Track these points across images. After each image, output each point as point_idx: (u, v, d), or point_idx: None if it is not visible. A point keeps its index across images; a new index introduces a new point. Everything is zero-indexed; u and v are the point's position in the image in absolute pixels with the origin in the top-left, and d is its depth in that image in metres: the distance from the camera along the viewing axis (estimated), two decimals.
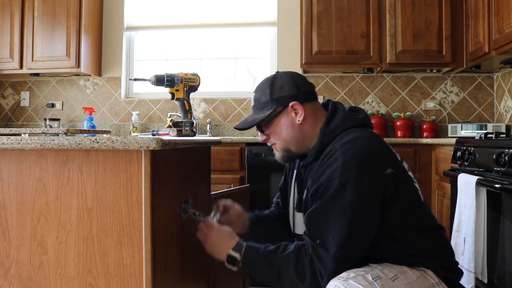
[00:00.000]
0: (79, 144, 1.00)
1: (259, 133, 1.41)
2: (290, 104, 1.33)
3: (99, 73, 3.63)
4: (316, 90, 1.42)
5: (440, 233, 1.33)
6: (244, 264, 1.27)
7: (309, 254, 1.19)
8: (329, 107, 1.37)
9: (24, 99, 3.76)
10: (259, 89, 1.39)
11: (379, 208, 1.21)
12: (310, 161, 1.34)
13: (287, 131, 1.35)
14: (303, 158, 1.39)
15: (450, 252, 1.34)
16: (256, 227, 1.54)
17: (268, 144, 1.41)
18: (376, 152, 1.24)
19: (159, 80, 1.65)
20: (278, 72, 1.40)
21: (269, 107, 1.34)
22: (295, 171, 1.47)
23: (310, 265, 1.18)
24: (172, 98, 1.70)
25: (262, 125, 1.37)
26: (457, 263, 1.35)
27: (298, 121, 1.34)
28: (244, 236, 1.43)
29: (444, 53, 2.97)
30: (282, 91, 1.35)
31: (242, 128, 1.38)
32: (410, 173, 1.32)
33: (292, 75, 1.37)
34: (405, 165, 1.34)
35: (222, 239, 1.33)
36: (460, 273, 1.33)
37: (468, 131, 2.93)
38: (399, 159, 1.32)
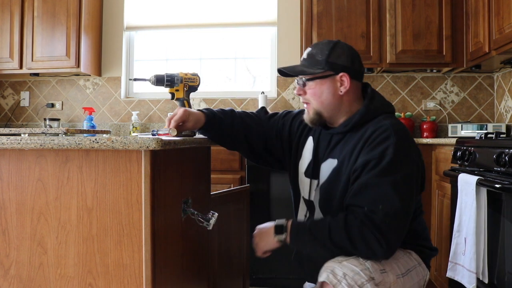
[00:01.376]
0: (79, 144, 1.00)
1: (297, 85, 1.43)
2: (340, 73, 1.38)
3: (99, 73, 3.63)
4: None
5: (422, 216, 1.46)
6: (292, 229, 1.31)
7: (359, 219, 1.22)
8: (368, 90, 1.44)
9: (24, 99, 3.76)
10: (317, 47, 1.41)
11: (417, 189, 1.33)
12: (345, 131, 1.39)
13: (326, 96, 1.38)
14: (326, 127, 1.46)
15: (427, 234, 1.48)
16: (211, 124, 1.49)
17: (301, 100, 1.44)
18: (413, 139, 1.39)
19: (159, 80, 1.65)
20: (339, 40, 1.43)
21: (320, 67, 1.37)
22: (311, 137, 1.51)
23: (361, 229, 1.21)
24: (172, 98, 1.70)
25: (306, 80, 1.40)
26: (431, 243, 1.48)
27: (341, 92, 1.39)
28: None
29: (444, 53, 2.97)
30: (338, 58, 1.39)
31: (287, 73, 1.42)
32: None
33: (352, 50, 1.42)
34: None
35: (266, 225, 1.40)
36: (436, 252, 1.47)
37: (468, 131, 2.93)
38: None
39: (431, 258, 1.45)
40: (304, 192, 1.49)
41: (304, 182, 1.49)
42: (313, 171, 1.45)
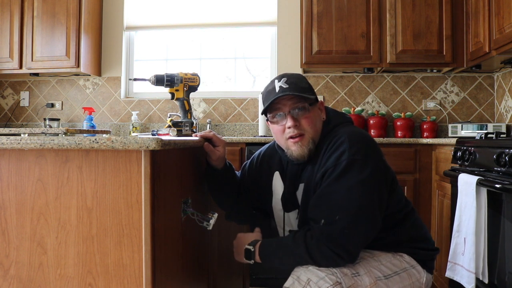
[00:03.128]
0: (78, 144, 0.99)
1: (289, 118, 1.31)
2: (320, 101, 1.40)
3: (98, 73, 3.62)
4: (316, 90, 1.45)
5: (415, 216, 1.41)
6: (260, 254, 1.32)
7: (315, 237, 1.20)
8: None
9: (23, 99, 3.76)
10: (294, 76, 1.35)
11: (385, 190, 1.28)
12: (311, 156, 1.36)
13: (319, 124, 1.37)
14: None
15: (425, 234, 1.42)
16: (226, 172, 1.51)
17: (293, 132, 1.31)
18: (374, 141, 1.33)
19: (159, 80, 1.65)
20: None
21: (310, 94, 1.35)
22: (277, 172, 1.47)
23: (319, 247, 1.20)
24: (172, 98, 1.69)
25: (310, 105, 1.33)
26: (433, 242, 1.44)
27: (323, 118, 1.39)
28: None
29: (444, 53, 2.96)
30: (312, 87, 1.40)
31: (291, 93, 1.29)
32: None
33: None
34: None
35: (243, 240, 1.40)
36: (436, 251, 1.43)
37: (469, 131, 2.93)
38: None
39: (432, 258, 1.42)
40: (288, 225, 1.46)
41: (286, 217, 1.45)
42: (291, 203, 1.42)
